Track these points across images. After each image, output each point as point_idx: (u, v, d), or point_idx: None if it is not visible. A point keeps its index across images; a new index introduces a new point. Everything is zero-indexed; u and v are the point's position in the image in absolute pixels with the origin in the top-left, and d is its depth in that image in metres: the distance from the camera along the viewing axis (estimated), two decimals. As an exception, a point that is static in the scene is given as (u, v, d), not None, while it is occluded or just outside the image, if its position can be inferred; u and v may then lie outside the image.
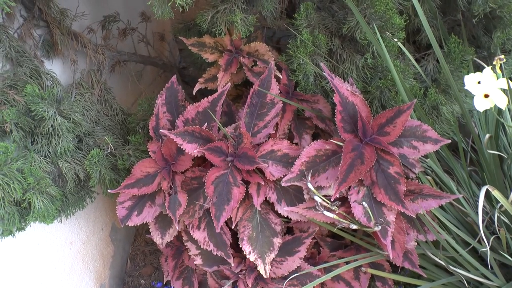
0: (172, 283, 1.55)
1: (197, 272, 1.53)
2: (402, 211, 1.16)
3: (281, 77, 1.30)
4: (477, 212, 1.44)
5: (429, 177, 1.44)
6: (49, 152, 1.40)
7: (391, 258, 1.21)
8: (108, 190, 1.31)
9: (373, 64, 1.32)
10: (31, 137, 1.37)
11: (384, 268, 1.48)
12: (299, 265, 1.32)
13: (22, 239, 1.43)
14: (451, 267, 1.36)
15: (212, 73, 1.40)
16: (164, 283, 1.74)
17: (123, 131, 1.66)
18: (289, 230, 1.40)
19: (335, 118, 1.28)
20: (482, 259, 1.49)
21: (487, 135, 1.28)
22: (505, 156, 1.35)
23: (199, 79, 1.40)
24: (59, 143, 1.36)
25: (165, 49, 2.22)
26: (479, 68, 1.41)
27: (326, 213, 1.16)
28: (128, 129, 1.66)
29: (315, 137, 1.38)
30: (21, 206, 1.31)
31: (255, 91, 1.24)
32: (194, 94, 1.40)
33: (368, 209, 1.14)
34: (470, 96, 1.43)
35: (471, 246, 1.40)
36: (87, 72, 1.68)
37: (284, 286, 1.34)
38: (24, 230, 1.40)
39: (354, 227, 1.18)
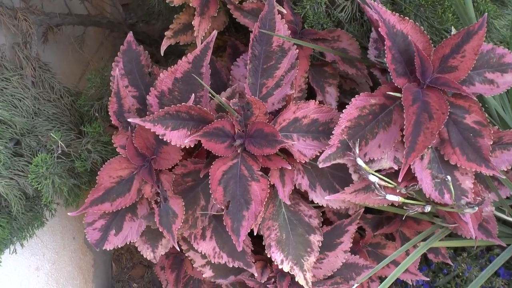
0: (177, 299, 1.16)
1: (206, 281, 1.14)
2: (485, 172, 0.79)
3: (285, 12, 0.86)
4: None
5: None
6: (-27, 169, 0.93)
7: (473, 236, 0.85)
8: (68, 213, 0.87)
9: (405, -26, 0.90)
10: None
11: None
12: (344, 261, 0.95)
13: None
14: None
15: (182, 21, 0.94)
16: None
17: (75, 119, 1.19)
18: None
19: (367, 55, 0.88)
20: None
21: None
22: None
23: (165, 33, 0.94)
24: (-17, 156, 0.90)
25: (106, 3, 1.70)
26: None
27: (390, 196, 0.77)
28: (81, 114, 1.20)
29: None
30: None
31: (255, 36, 0.80)
32: (162, 54, 0.95)
33: (450, 183, 0.75)
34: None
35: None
36: (10, 48, 1.19)
37: None
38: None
39: (429, 208, 0.80)
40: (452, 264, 1.20)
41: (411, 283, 1.19)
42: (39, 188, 0.94)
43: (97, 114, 1.13)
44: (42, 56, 1.27)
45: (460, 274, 1.26)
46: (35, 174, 0.93)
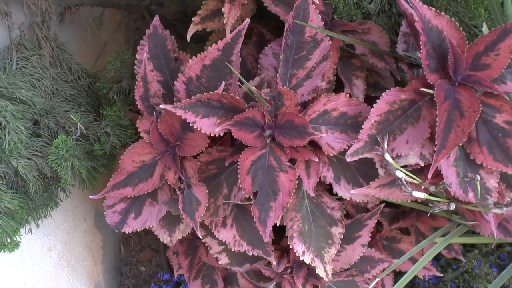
0: (190, 284, 1.16)
1: (220, 268, 1.14)
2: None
3: (317, 2, 0.84)
4: None
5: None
6: (-6, 149, 0.92)
7: (495, 236, 0.85)
8: (90, 197, 0.86)
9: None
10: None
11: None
12: (361, 254, 0.95)
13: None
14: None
15: (211, 7, 0.93)
16: (176, 276, 1.35)
17: (92, 100, 1.18)
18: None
19: (396, 49, 0.87)
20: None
21: None
22: None
23: (193, 19, 0.92)
24: (5, 136, 0.89)
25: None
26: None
27: (416, 193, 0.76)
28: (98, 96, 1.18)
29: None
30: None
31: (289, 26, 0.78)
32: (188, 40, 0.93)
33: (478, 183, 0.75)
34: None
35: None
36: (29, 27, 1.17)
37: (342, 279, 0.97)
38: (-20, 258, 0.96)
39: (453, 206, 0.79)
40: (463, 260, 1.20)
41: (421, 278, 1.19)
42: (58, 170, 0.93)
43: (115, 97, 1.11)
44: (60, 36, 1.24)
45: (469, 270, 1.27)
46: (55, 156, 0.92)
